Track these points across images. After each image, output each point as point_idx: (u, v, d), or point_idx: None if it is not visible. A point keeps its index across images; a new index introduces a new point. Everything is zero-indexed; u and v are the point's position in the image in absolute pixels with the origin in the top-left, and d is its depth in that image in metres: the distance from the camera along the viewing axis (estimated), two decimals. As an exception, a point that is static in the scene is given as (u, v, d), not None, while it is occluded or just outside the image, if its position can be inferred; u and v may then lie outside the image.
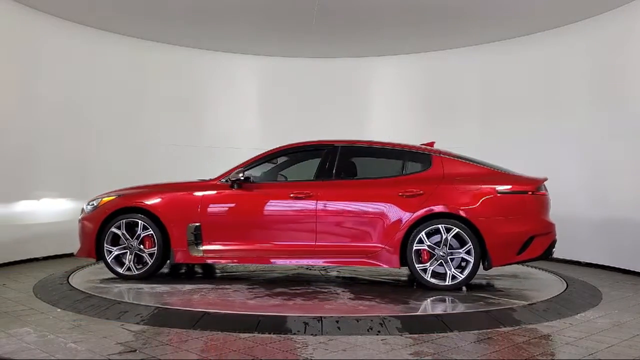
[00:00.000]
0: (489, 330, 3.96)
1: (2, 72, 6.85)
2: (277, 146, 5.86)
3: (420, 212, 5.18)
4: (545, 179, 5.38)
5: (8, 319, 4.16)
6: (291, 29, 8.09)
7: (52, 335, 3.72)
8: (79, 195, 7.87)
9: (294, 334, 3.80)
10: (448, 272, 5.10)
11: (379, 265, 5.28)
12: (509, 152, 7.94)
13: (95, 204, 5.77)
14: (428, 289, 5.10)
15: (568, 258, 7.55)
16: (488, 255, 5.09)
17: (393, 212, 5.25)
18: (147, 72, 8.71)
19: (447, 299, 4.82)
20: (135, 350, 3.41)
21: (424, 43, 8.70)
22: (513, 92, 8.33)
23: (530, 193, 5.21)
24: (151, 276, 5.54)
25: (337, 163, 5.57)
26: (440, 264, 5.14)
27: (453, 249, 5.13)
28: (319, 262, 5.43)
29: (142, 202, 5.61)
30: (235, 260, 5.65)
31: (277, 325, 3.90)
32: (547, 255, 5.24)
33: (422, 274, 5.15)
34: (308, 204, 5.38)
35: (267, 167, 5.87)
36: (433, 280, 5.13)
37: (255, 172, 5.73)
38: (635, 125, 6.70)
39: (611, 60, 7.13)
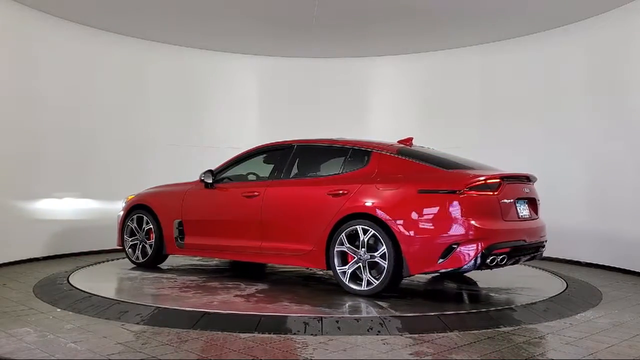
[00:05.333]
0: (489, 330, 3.95)
1: (2, 72, 6.84)
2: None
3: (343, 212, 4.87)
4: (498, 176, 4.68)
5: (8, 319, 4.16)
6: (291, 29, 8.09)
7: (52, 335, 3.72)
8: (78, 195, 7.88)
9: (294, 334, 3.80)
10: (364, 276, 4.72)
11: (311, 266, 5.19)
12: (508, 151, 7.95)
13: (125, 201, 6.62)
14: (349, 294, 4.80)
15: (568, 258, 7.55)
16: (404, 260, 4.56)
17: (320, 212, 5.02)
18: (147, 72, 8.71)
19: (343, 304, 4.54)
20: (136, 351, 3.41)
21: (424, 43, 8.70)
22: (513, 92, 8.33)
23: (457, 193, 4.50)
24: (155, 264, 6.30)
25: (288, 162, 5.55)
26: (359, 268, 4.76)
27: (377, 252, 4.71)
28: (266, 261, 5.54)
29: (146, 200, 6.35)
30: (208, 255, 6.03)
31: (277, 325, 3.89)
32: (478, 265, 4.43)
33: (341, 277, 4.84)
34: (255, 204, 5.46)
35: (248, 167, 6.00)
36: (351, 285, 4.79)
37: (240, 171, 5.96)
38: (635, 125, 6.70)
39: (611, 60, 7.12)
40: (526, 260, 5.05)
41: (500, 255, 4.51)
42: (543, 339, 3.83)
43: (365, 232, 4.73)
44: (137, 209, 6.37)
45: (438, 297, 5.11)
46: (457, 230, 4.44)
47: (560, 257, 7.58)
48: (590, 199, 7.30)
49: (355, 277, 4.80)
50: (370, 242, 4.72)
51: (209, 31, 8.25)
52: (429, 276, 5.82)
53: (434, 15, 7.43)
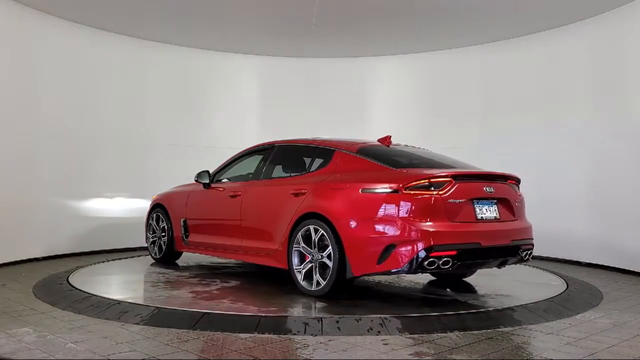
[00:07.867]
0: (489, 330, 3.96)
1: (2, 72, 6.83)
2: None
3: (300, 211, 4.86)
4: (448, 174, 4.45)
5: (8, 319, 4.16)
6: (291, 29, 8.09)
7: (52, 335, 3.71)
8: (77, 195, 7.88)
9: (294, 334, 3.80)
10: (314, 276, 4.69)
11: (277, 265, 5.12)
12: (508, 151, 7.95)
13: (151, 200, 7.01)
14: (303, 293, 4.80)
15: (568, 258, 7.55)
16: (347, 261, 4.46)
17: (284, 212, 5.02)
18: (147, 72, 8.71)
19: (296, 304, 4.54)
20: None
21: (424, 43, 8.69)
22: (513, 92, 8.33)
23: (396, 192, 4.34)
24: (170, 260, 6.68)
25: (268, 163, 5.64)
26: (313, 268, 4.73)
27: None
28: (245, 260, 5.62)
29: (162, 200, 6.74)
30: (204, 252, 6.17)
31: (277, 326, 3.89)
32: (415, 268, 4.21)
33: (296, 276, 4.84)
34: (237, 203, 5.59)
35: (247, 167, 6.05)
36: (304, 284, 4.77)
37: (240, 172, 6.07)
38: (635, 125, 6.70)
39: (611, 60, 7.12)
40: (498, 265, 4.79)
41: (442, 258, 4.22)
42: (543, 339, 3.83)
43: (316, 231, 4.70)
44: (157, 208, 6.75)
45: (438, 299, 5.11)
46: (393, 230, 4.28)
47: (560, 257, 7.58)
48: (591, 199, 7.29)
49: (310, 277, 4.77)
50: (325, 242, 4.64)
51: (209, 31, 8.25)
52: (427, 280, 5.82)
53: (434, 15, 7.43)
